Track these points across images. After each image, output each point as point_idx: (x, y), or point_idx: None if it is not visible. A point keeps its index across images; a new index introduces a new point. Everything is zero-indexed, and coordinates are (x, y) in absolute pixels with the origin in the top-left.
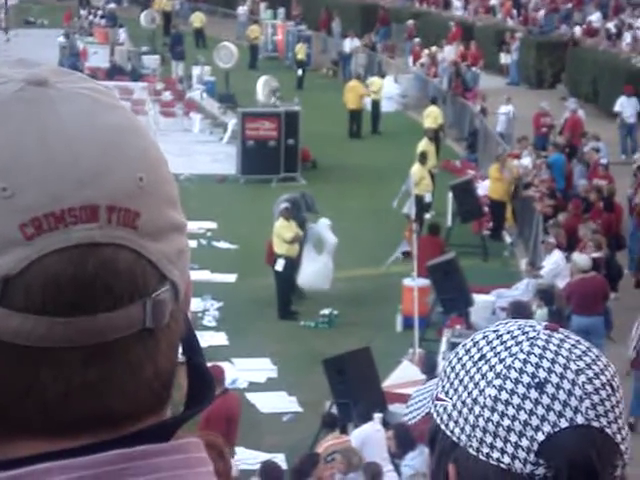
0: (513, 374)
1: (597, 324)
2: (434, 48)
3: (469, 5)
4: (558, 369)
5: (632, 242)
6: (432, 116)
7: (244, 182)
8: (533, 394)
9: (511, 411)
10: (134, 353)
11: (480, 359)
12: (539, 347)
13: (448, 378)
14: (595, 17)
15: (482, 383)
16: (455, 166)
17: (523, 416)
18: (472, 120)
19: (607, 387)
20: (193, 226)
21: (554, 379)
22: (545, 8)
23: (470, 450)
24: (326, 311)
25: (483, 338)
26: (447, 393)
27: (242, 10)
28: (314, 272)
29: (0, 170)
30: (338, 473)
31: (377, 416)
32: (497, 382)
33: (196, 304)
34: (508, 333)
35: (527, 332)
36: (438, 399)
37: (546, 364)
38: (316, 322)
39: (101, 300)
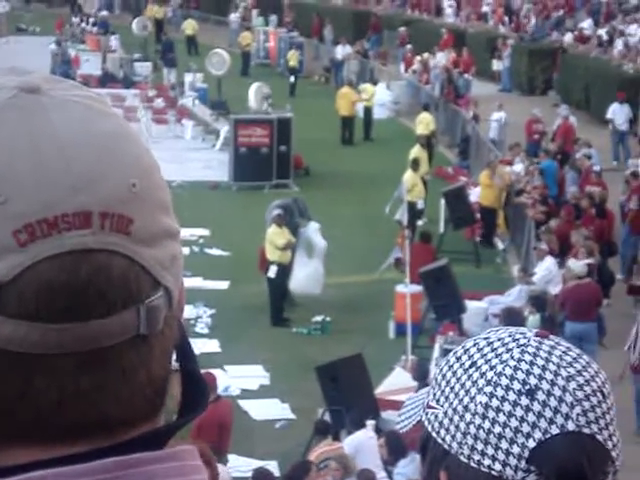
0: (504, 381)
1: (590, 330)
2: (426, 55)
3: (461, 12)
4: (549, 376)
5: (624, 248)
6: (424, 123)
7: (236, 189)
8: (524, 401)
9: (502, 418)
10: (128, 359)
11: (471, 366)
12: (530, 354)
13: (439, 386)
14: (587, 24)
15: (473, 390)
16: (447, 173)
17: (514, 423)
18: (464, 127)
19: (598, 394)
20: (185, 233)
21: (545, 386)
22: (537, 15)
23: (461, 457)
24: (319, 318)
25: (474, 345)
26: (438, 401)
27: (234, 17)
28: (305, 277)
29: None
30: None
31: (370, 423)
32: (488, 389)
33: (188, 311)
34: (499, 340)
35: (518, 339)
36: (429, 407)
37: (537, 371)
38: (309, 329)
39: (94, 306)
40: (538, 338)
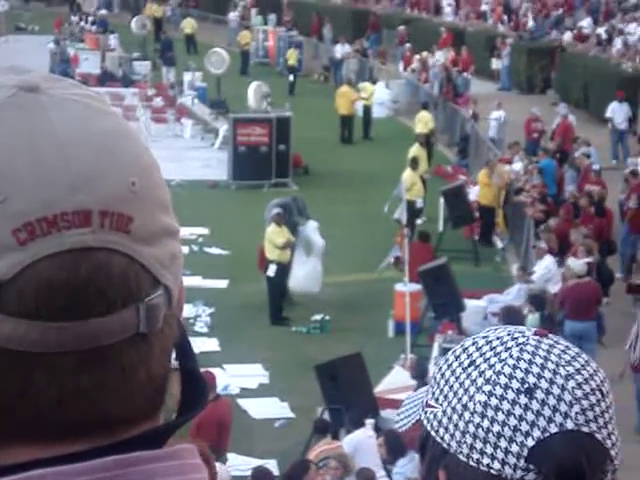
0: (502, 380)
1: (590, 329)
2: (425, 53)
3: (460, 11)
4: (547, 374)
5: (624, 247)
6: (423, 121)
7: (235, 188)
8: (522, 400)
9: (501, 417)
10: (127, 358)
11: (470, 365)
12: (528, 353)
13: (438, 385)
14: (586, 23)
15: (472, 389)
16: (446, 171)
17: (513, 422)
18: (463, 125)
19: (597, 392)
20: (185, 232)
21: (543, 384)
22: (536, 14)
23: (460, 456)
24: (318, 317)
25: (473, 344)
26: (437, 400)
27: (233, 16)
28: (304, 275)
29: None
30: (334, 478)
31: (369, 422)
32: (486, 388)
33: (188, 310)
34: (497, 339)
35: (516, 338)
36: (428, 406)
37: (535, 370)
38: (308, 328)
39: (94, 305)
40: (537, 337)
